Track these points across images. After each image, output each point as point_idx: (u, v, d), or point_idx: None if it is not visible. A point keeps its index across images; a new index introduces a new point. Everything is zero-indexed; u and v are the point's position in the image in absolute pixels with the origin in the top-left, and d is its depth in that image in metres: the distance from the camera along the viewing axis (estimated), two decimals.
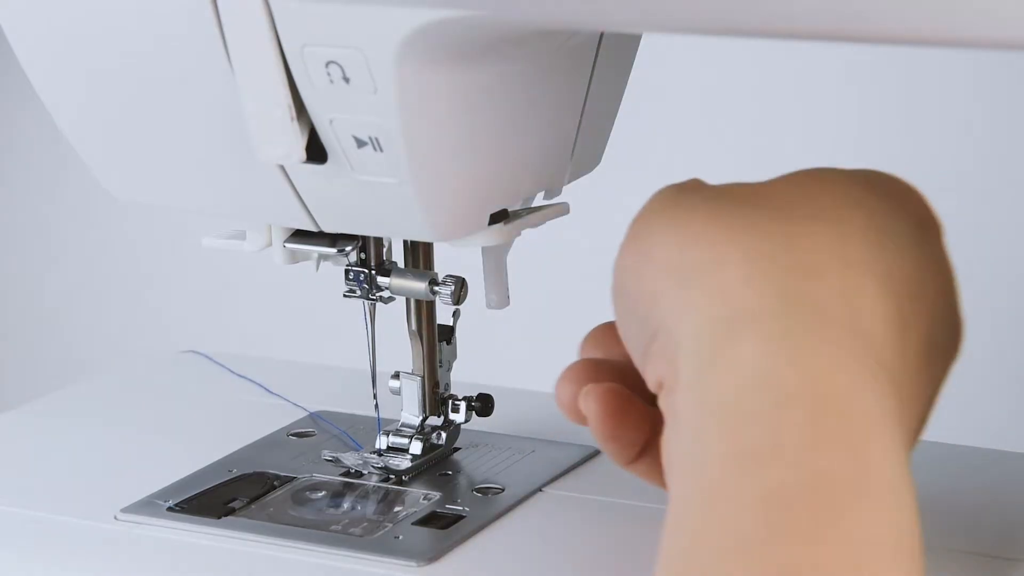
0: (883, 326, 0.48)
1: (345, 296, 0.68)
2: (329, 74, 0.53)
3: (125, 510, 0.66)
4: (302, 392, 0.79)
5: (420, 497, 0.67)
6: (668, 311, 0.50)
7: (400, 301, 0.69)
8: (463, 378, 0.73)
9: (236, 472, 0.70)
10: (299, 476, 0.69)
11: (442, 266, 0.69)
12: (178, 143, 0.60)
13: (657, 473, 0.55)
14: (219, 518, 0.65)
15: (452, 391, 0.71)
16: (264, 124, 0.55)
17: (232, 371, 0.83)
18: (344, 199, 0.58)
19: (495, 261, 0.65)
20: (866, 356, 0.47)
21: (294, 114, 0.55)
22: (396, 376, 0.70)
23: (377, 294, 0.67)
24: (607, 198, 1.15)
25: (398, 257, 0.68)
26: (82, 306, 1.48)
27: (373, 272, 0.67)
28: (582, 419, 0.57)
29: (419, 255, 0.68)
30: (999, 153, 1.13)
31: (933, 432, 0.81)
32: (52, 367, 1.46)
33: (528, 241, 0.67)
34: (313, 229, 0.62)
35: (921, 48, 0.46)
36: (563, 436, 0.73)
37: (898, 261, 0.50)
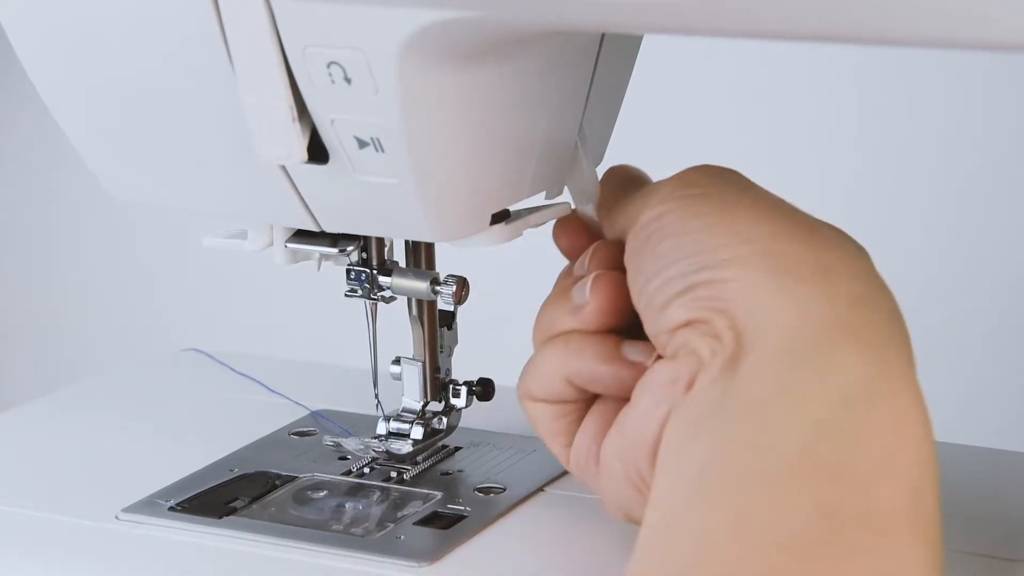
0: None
1: (346, 296, 0.68)
2: (330, 74, 0.53)
3: (126, 510, 0.66)
4: (304, 391, 0.79)
5: (421, 497, 0.67)
6: (751, 278, 0.51)
7: (401, 300, 0.69)
8: (463, 365, 0.73)
9: (237, 471, 0.70)
10: (300, 476, 0.69)
11: (443, 266, 0.69)
12: (179, 143, 0.60)
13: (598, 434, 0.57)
14: (220, 518, 0.65)
15: (453, 376, 0.71)
16: (266, 124, 0.55)
17: (233, 369, 0.83)
18: (345, 199, 0.58)
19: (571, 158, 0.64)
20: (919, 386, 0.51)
21: (295, 114, 0.55)
22: (397, 361, 0.70)
23: (378, 294, 0.67)
24: None
25: (399, 257, 0.68)
26: (82, 306, 1.48)
27: (374, 272, 0.67)
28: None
29: (420, 255, 0.68)
30: (999, 153, 1.13)
31: (935, 432, 0.81)
32: (52, 367, 1.46)
33: (529, 241, 0.67)
34: (314, 229, 0.62)
35: (920, 49, 0.46)
36: None
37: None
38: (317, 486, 0.68)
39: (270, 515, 0.66)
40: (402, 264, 0.68)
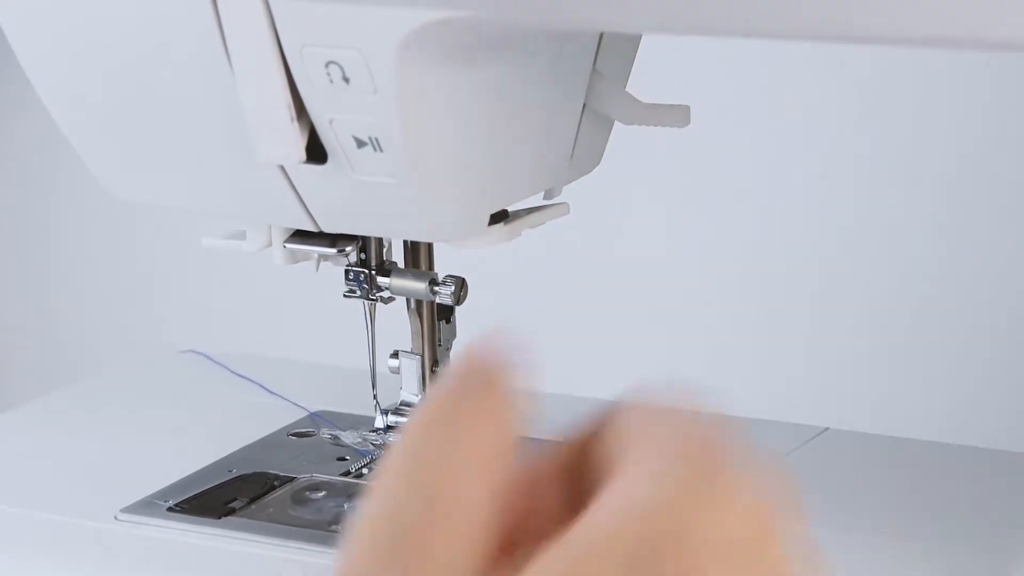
0: None
1: (345, 296, 0.68)
2: (329, 74, 0.53)
3: (125, 510, 0.66)
4: (302, 392, 0.79)
5: None
6: None
7: (399, 299, 0.69)
8: None
9: (236, 472, 0.70)
10: (299, 476, 0.69)
11: (442, 266, 0.69)
12: (178, 143, 0.60)
13: None
14: (219, 518, 0.65)
15: None
16: (264, 124, 0.55)
17: (232, 371, 0.83)
18: (344, 199, 0.58)
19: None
20: None
21: (294, 114, 0.55)
22: (395, 355, 0.70)
23: (377, 294, 0.67)
24: (607, 198, 1.16)
25: (398, 257, 0.68)
26: (82, 306, 1.48)
27: (373, 272, 0.67)
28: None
29: (419, 255, 0.68)
30: (1000, 153, 1.13)
31: (933, 432, 0.81)
32: (52, 367, 1.46)
33: (528, 241, 0.67)
34: (313, 229, 0.62)
35: (920, 48, 0.46)
36: (563, 436, 0.73)
37: None
38: (316, 487, 0.68)
39: (269, 515, 0.66)
40: (401, 264, 0.68)
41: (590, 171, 0.67)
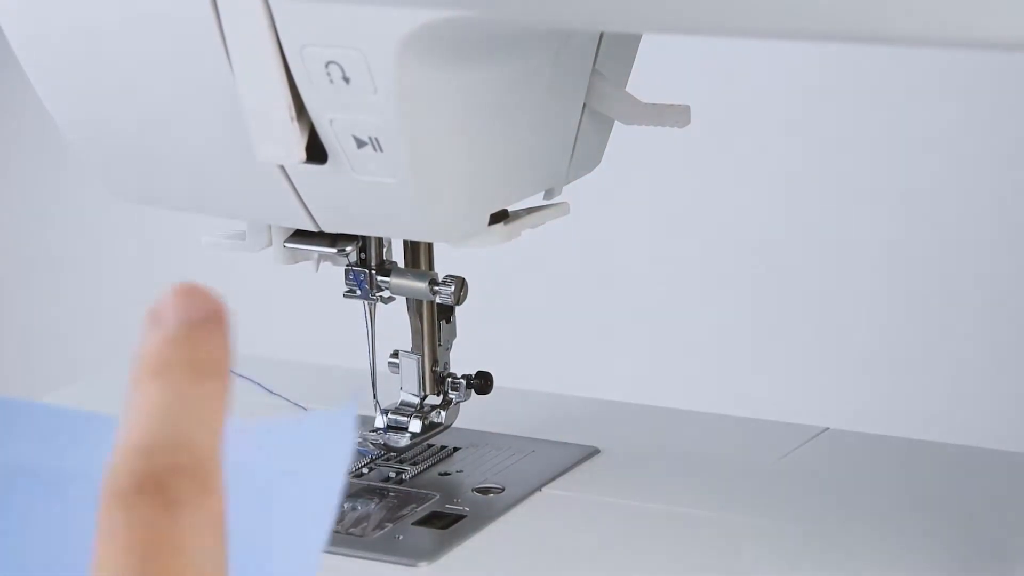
0: None
1: (345, 296, 0.68)
2: (329, 74, 0.53)
3: None
4: (302, 392, 0.79)
5: (420, 497, 0.67)
6: None
7: (400, 300, 0.69)
8: (461, 359, 0.73)
9: None
10: None
11: (442, 266, 0.69)
12: (178, 143, 0.60)
13: None
14: None
15: (451, 370, 0.71)
16: (264, 124, 0.55)
17: (232, 370, 0.83)
18: (344, 199, 0.58)
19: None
20: None
21: (294, 114, 0.55)
22: (395, 355, 0.70)
23: (377, 294, 0.67)
24: (607, 198, 1.16)
25: (398, 257, 0.68)
26: (82, 306, 1.48)
27: (373, 272, 0.67)
28: None
29: (419, 255, 0.68)
30: (1000, 153, 1.13)
31: (933, 432, 0.81)
32: (52, 367, 1.46)
33: (528, 241, 0.67)
34: (313, 229, 0.62)
35: (921, 49, 0.46)
36: (563, 436, 0.73)
37: None
38: None
39: None
40: (401, 264, 0.68)
41: (590, 171, 0.67)
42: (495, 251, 0.65)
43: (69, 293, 1.49)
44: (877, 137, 1.16)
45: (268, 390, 0.80)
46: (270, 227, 0.65)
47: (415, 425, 0.69)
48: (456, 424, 0.72)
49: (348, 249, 0.65)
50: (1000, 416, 1.13)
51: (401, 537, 0.63)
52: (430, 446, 0.71)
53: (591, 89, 0.63)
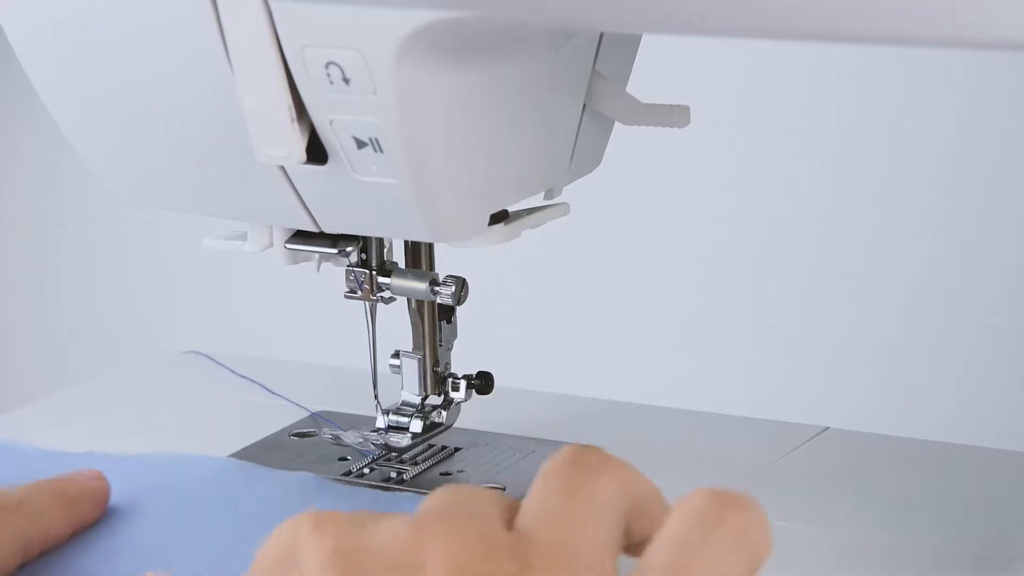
0: None
1: (346, 297, 0.68)
2: (329, 75, 0.53)
3: None
4: (303, 392, 0.79)
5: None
6: None
7: (401, 300, 0.69)
8: (462, 359, 0.73)
9: None
10: None
11: (442, 266, 0.69)
12: (179, 144, 0.60)
13: None
14: None
15: (452, 370, 0.71)
16: (264, 125, 0.55)
17: (233, 371, 0.83)
18: (344, 200, 0.58)
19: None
20: None
21: (294, 115, 0.55)
22: (396, 355, 0.70)
23: (378, 295, 0.67)
24: (607, 198, 1.16)
25: (399, 257, 0.68)
26: (83, 307, 1.48)
27: (374, 273, 0.67)
28: None
29: (420, 255, 0.68)
30: (1001, 152, 1.13)
31: (933, 432, 0.81)
32: (52, 367, 1.46)
33: (528, 241, 0.67)
34: (314, 230, 0.62)
35: (921, 49, 0.46)
36: (563, 436, 0.73)
37: None
38: None
39: None
40: (401, 265, 0.68)
41: (590, 171, 0.67)
42: (495, 251, 0.65)
43: (70, 294, 1.49)
44: (877, 137, 1.16)
45: (269, 390, 0.80)
46: (271, 228, 0.65)
47: (416, 425, 0.69)
48: (457, 424, 0.72)
49: (349, 250, 0.65)
50: (1000, 416, 1.13)
51: None
52: (431, 446, 0.71)
53: (591, 89, 0.63)
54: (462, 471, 0.70)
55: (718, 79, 1.18)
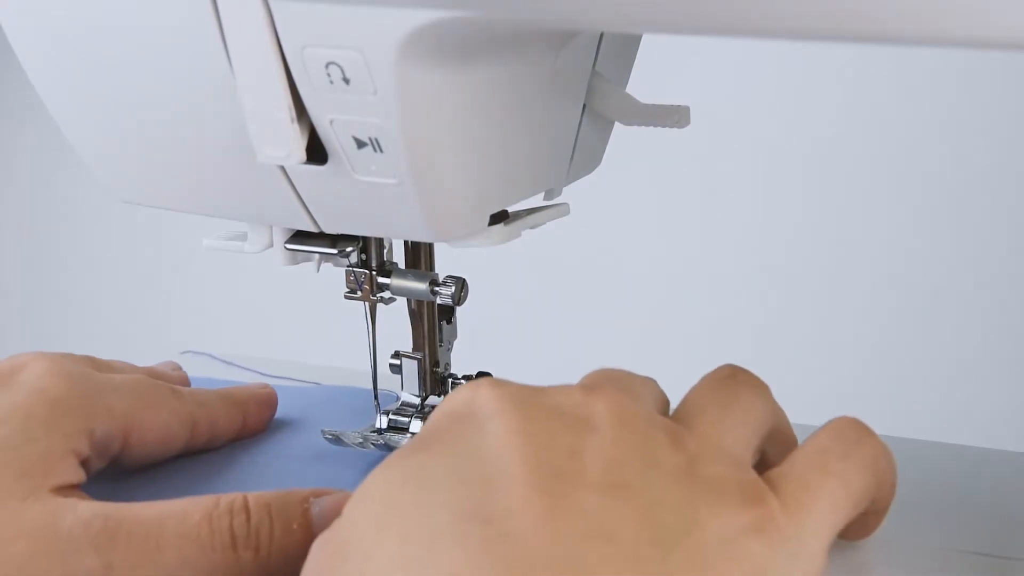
0: None
1: (346, 297, 0.68)
2: (329, 75, 0.53)
3: None
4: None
5: None
6: None
7: (400, 300, 0.69)
8: (463, 359, 0.73)
9: None
10: None
11: (443, 267, 0.69)
12: (178, 144, 0.60)
13: None
14: None
15: (452, 371, 0.71)
16: (264, 125, 0.55)
17: (240, 366, 0.83)
18: (344, 200, 0.58)
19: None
20: None
21: (294, 115, 0.55)
22: (396, 355, 0.70)
23: (378, 295, 0.67)
24: (607, 198, 1.16)
25: (399, 258, 0.68)
26: (83, 307, 1.48)
27: (374, 273, 0.67)
28: None
29: (420, 256, 0.68)
30: (1000, 153, 1.13)
31: (933, 432, 0.81)
32: None
33: (528, 241, 0.67)
34: (314, 230, 0.62)
35: (921, 48, 0.46)
36: None
37: None
38: None
39: None
40: (401, 265, 0.68)
41: (590, 172, 0.67)
42: (495, 251, 0.65)
43: (70, 294, 1.49)
44: (876, 137, 1.16)
45: (271, 376, 0.80)
46: (271, 228, 0.65)
47: (416, 425, 0.69)
48: None
49: (349, 250, 0.65)
50: (1000, 416, 1.13)
51: None
52: None
53: (591, 89, 0.63)
54: None
55: (718, 79, 1.18)
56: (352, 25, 0.52)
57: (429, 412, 0.70)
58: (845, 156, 1.17)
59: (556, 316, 1.22)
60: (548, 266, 1.20)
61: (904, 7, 0.43)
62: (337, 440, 0.69)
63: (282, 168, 0.59)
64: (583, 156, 0.65)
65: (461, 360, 0.72)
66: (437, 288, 0.67)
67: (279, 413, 0.74)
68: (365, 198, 0.58)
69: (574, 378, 0.60)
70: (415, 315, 0.69)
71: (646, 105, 0.64)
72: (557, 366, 1.16)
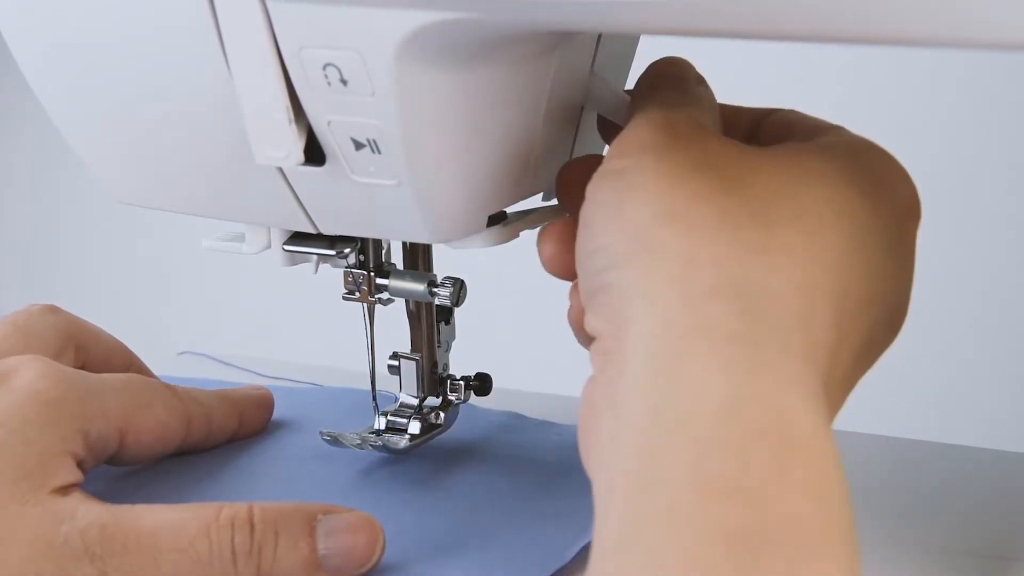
0: (828, 352, 0.48)
1: (344, 298, 0.68)
2: (327, 76, 0.53)
3: None
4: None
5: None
6: (626, 281, 0.48)
7: (399, 301, 0.69)
8: (461, 360, 0.73)
9: None
10: None
11: (441, 267, 0.69)
12: (177, 146, 0.60)
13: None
14: None
15: (450, 371, 0.71)
16: (262, 126, 0.55)
17: (236, 365, 0.83)
18: (342, 201, 0.58)
19: None
20: (822, 389, 0.47)
21: (292, 116, 0.55)
22: (394, 356, 0.70)
23: (376, 296, 0.67)
24: None
25: (397, 259, 0.68)
26: (82, 308, 1.48)
27: (372, 274, 0.67)
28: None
29: (418, 257, 0.68)
30: (1001, 153, 1.13)
31: (933, 432, 0.81)
32: None
33: (527, 243, 0.67)
34: (312, 231, 0.62)
35: (921, 49, 0.46)
36: None
37: (859, 276, 0.50)
38: None
39: None
40: (399, 266, 0.68)
41: None
42: (493, 252, 0.65)
43: (69, 295, 1.49)
44: (875, 137, 1.16)
45: (268, 376, 0.80)
46: (269, 229, 0.65)
47: (414, 427, 0.69)
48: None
49: (347, 251, 0.65)
50: (1000, 416, 1.13)
51: None
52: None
53: (590, 90, 0.63)
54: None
55: (717, 79, 1.18)
56: (350, 26, 0.52)
57: (427, 413, 0.70)
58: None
59: (555, 317, 1.21)
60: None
61: (904, 7, 0.43)
62: (335, 441, 0.69)
63: (280, 169, 0.59)
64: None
65: (460, 360, 0.72)
66: (435, 289, 0.67)
67: (277, 414, 0.74)
68: (363, 199, 0.58)
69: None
70: (413, 316, 0.69)
71: None
72: (556, 366, 1.16)
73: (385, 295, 0.68)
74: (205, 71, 0.56)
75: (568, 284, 0.60)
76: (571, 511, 0.63)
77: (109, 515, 0.56)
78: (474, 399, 0.72)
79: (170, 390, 0.66)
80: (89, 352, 0.69)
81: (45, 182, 1.52)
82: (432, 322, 0.69)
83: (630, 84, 0.67)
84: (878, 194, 0.52)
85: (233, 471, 0.68)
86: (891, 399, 1.15)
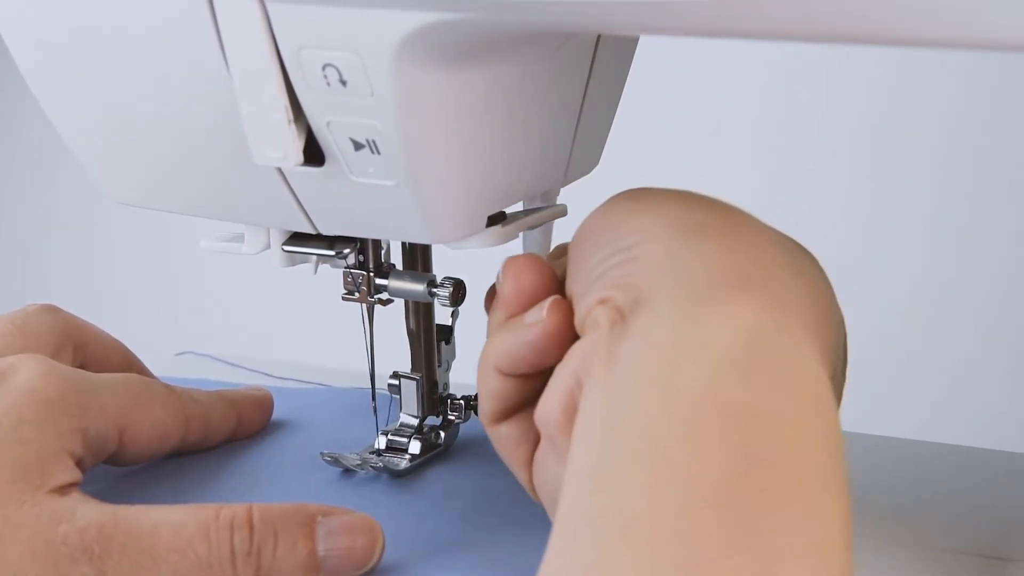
0: (832, 357, 0.53)
1: (344, 299, 0.68)
2: (326, 77, 0.53)
3: None
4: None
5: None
6: (658, 250, 0.50)
7: (398, 302, 0.69)
8: (461, 379, 0.73)
9: None
10: None
11: (440, 268, 0.69)
12: (176, 146, 0.60)
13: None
14: None
15: (450, 391, 0.71)
16: (261, 127, 0.55)
17: (235, 365, 0.83)
18: (342, 202, 0.58)
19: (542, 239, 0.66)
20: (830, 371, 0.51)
21: (291, 117, 0.55)
22: (395, 376, 0.70)
23: (376, 296, 0.67)
24: (605, 199, 1.15)
25: (396, 259, 0.68)
26: (82, 309, 1.48)
27: (372, 274, 0.67)
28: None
29: (417, 257, 0.68)
30: (1000, 153, 1.13)
31: (933, 432, 0.81)
32: None
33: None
34: (311, 232, 0.62)
35: (921, 49, 0.46)
36: None
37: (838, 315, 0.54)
38: None
39: None
40: (399, 266, 0.68)
41: (588, 172, 0.67)
42: (493, 252, 0.65)
43: (69, 295, 1.49)
44: (875, 137, 1.16)
45: (273, 376, 0.80)
46: (268, 230, 0.65)
47: (415, 446, 0.69)
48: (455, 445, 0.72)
49: (346, 251, 0.65)
50: (1000, 416, 1.13)
51: None
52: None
53: (588, 90, 0.63)
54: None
55: (716, 80, 1.18)
56: (349, 27, 0.51)
57: (428, 432, 0.70)
58: (845, 156, 1.17)
59: None
60: None
61: (904, 7, 0.43)
62: (335, 462, 0.68)
63: (279, 170, 0.59)
64: (581, 157, 0.65)
65: (459, 361, 0.72)
66: (435, 289, 0.67)
67: (276, 414, 0.74)
68: (362, 200, 0.58)
69: None
70: (413, 336, 0.69)
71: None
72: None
73: (385, 295, 0.67)
74: (204, 72, 0.56)
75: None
76: None
77: (108, 515, 0.56)
78: (475, 417, 0.72)
79: (168, 390, 0.66)
80: (87, 351, 0.69)
81: (45, 182, 1.53)
82: (432, 341, 0.69)
83: (629, 83, 0.67)
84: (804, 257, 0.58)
85: (232, 472, 0.67)
86: (891, 399, 1.15)
